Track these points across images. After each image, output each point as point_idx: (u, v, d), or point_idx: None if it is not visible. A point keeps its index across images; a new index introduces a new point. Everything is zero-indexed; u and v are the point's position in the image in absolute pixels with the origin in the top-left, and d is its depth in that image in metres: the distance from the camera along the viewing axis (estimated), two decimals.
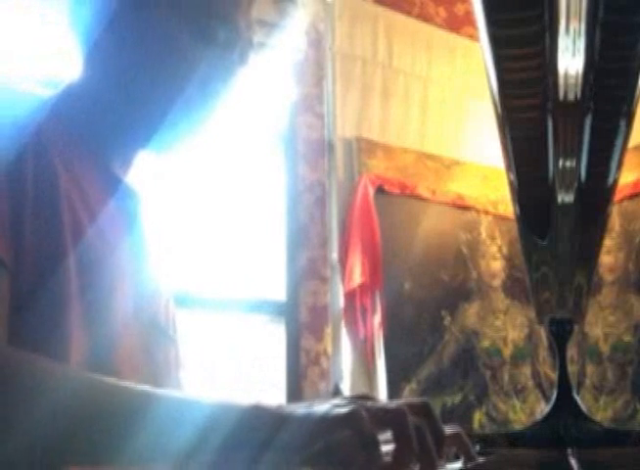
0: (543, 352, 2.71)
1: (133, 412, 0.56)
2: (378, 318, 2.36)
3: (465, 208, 2.71)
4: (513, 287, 2.72)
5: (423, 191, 2.61)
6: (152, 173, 0.92)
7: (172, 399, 0.59)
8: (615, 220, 2.56)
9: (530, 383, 2.66)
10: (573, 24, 0.66)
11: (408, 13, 2.81)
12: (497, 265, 2.73)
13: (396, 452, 0.54)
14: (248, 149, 2.47)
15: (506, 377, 2.61)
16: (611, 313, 2.56)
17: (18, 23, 1.96)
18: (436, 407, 2.40)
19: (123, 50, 0.77)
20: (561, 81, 0.72)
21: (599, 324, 2.58)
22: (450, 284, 2.59)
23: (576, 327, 1.08)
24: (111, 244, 0.74)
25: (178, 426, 0.56)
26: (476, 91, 2.73)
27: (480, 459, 0.81)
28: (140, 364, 0.75)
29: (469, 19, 2.87)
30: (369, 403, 0.57)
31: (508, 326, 2.68)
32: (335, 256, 2.47)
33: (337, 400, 0.58)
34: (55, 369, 0.58)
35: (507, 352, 2.65)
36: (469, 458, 0.80)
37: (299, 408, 0.57)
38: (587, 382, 2.57)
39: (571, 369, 1.54)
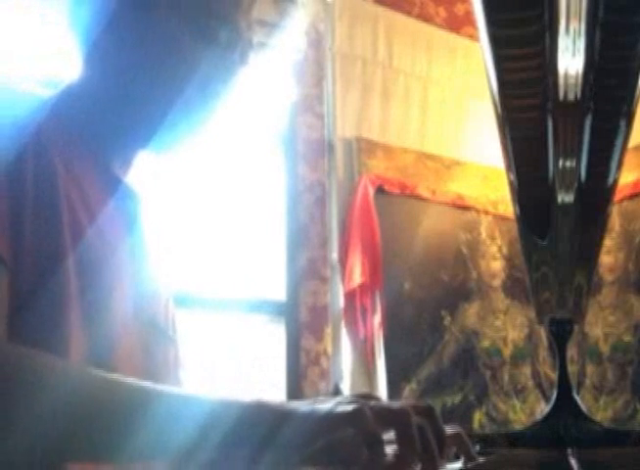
0: (543, 352, 2.71)
1: (134, 408, 0.56)
2: (378, 318, 2.36)
3: (465, 208, 2.71)
4: (513, 287, 2.72)
5: (423, 191, 2.61)
6: (152, 174, 0.92)
7: (173, 396, 0.59)
8: (615, 220, 2.56)
9: (530, 383, 2.66)
10: (573, 24, 0.66)
11: (408, 13, 2.81)
12: (497, 265, 2.73)
13: (399, 452, 0.54)
14: (248, 149, 2.47)
15: (506, 377, 2.61)
16: (611, 313, 2.56)
17: (18, 23, 1.96)
18: (436, 407, 2.40)
19: (123, 50, 0.77)
20: (561, 81, 0.72)
21: (599, 324, 2.58)
22: (450, 284, 2.59)
23: (576, 327, 1.08)
24: (110, 244, 0.74)
25: (179, 422, 0.56)
26: (476, 91, 2.73)
27: (480, 459, 0.81)
28: (139, 365, 0.75)
29: (469, 19, 2.87)
30: (372, 402, 0.57)
31: (508, 326, 2.68)
32: (335, 256, 2.47)
33: (340, 399, 0.58)
34: (55, 365, 0.58)
35: (507, 352, 2.65)
36: (469, 458, 0.80)
37: (302, 406, 0.57)
38: (587, 382, 2.57)
39: (571, 369, 1.54)
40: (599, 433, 0.94)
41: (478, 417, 2.50)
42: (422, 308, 2.49)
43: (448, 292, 2.58)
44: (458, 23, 2.91)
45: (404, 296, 2.46)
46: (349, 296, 2.38)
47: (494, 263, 2.73)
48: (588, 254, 1.01)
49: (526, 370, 2.67)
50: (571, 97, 0.74)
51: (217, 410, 0.56)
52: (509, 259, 2.74)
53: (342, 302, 2.40)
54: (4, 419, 0.52)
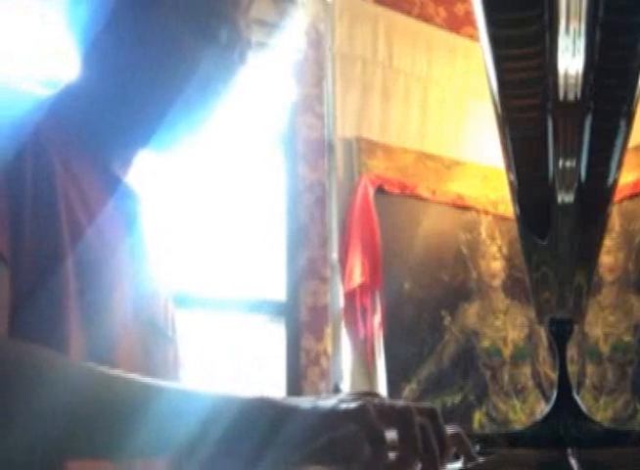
0: (543, 352, 2.71)
1: (135, 404, 0.56)
2: (378, 318, 2.36)
3: (465, 208, 2.71)
4: (513, 287, 2.72)
5: (423, 191, 2.61)
6: (151, 173, 0.92)
7: (174, 392, 0.59)
8: (615, 220, 2.56)
9: (530, 383, 2.66)
10: (573, 24, 0.66)
11: (408, 13, 2.81)
12: (497, 265, 2.73)
13: (401, 451, 0.54)
14: (248, 149, 2.47)
15: (506, 377, 2.61)
16: (611, 313, 2.56)
17: (18, 23, 1.96)
18: (436, 407, 2.40)
19: (121, 50, 0.77)
20: (561, 81, 0.73)
21: (599, 324, 2.58)
22: (450, 284, 2.59)
23: (576, 327, 1.08)
24: (110, 244, 0.74)
25: (180, 418, 0.56)
26: (476, 91, 2.73)
27: (480, 459, 0.81)
28: (139, 365, 0.75)
29: (469, 19, 2.87)
30: (376, 400, 0.56)
31: (508, 326, 2.68)
32: (335, 256, 2.47)
33: (342, 396, 0.57)
34: (56, 361, 0.58)
35: (507, 352, 2.65)
36: (469, 458, 0.80)
37: (304, 402, 0.57)
38: (587, 382, 2.57)
39: (571, 369, 1.54)
40: (599, 433, 0.94)
41: (478, 417, 2.50)
42: (422, 308, 2.49)
43: (448, 292, 2.58)
44: (458, 23, 2.91)
45: (404, 296, 2.46)
46: (349, 296, 2.38)
47: (494, 263, 2.73)
48: (588, 254, 1.01)
49: (526, 370, 2.67)
50: (571, 97, 0.74)
51: (219, 406, 0.56)
52: (509, 259, 2.74)
53: (342, 302, 2.40)
54: (4, 416, 0.52)
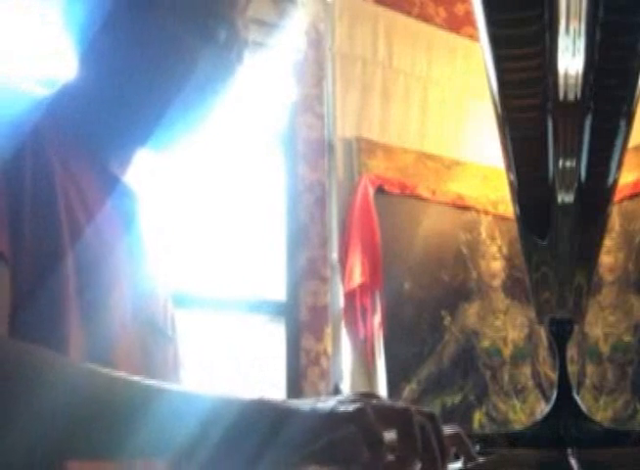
0: (543, 352, 2.71)
1: (135, 405, 0.56)
2: (378, 318, 2.36)
3: (465, 208, 2.71)
4: (513, 287, 2.72)
5: (423, 191, 2.61)
6: (150, 172, 0.92)
7: (174, 393, 0.59)
8: (615, 220, 2.56)
9: (530, 383, 2.66)
10: (573, 24, 0.66)
11: (408, 13, 2.81)
12: (497, 265, 2.73)
13: (400, 451, 0.54)
14: (247, 149, 2.47)
15: (506, 377, 2.61)
16: (611, 313, 2.56)
17: (18, 23, 1.96)
18: (436, 407, 2.40)
19: (119, 50, 0.77)
20: (561, 81, 0.72)
21: (599, 324, 2.58)
22: (450, 284, 2.59)
23: (576, 327, 1.08)
24: (108, 243, 0.74)
25: (180, 419, 0.56)
26: (476, 91, 2.73)
27: (480, 459, 0.81)
28: (138, 365, 0.75)
29: (469, 19, 2.87)
30: (375, 401, 0.56)
31: (508, 326, 2.68)
32: (335, 256, 2.47)
33: (342, 397, 0.57)
34: (56, 361, 0.58)
35: (507, 352, 2.65)
36: (469, 458, 0.80)
37: (304, 404, 0.57)
38: (587, 382, 2.57)
39: (571, 369, 1.54)
40: (599, 433, 0.94)
41: (478, 417, 2.50)
42: (422, 308, 2.49)
43: (448, 292, 2.58)
44: (458, 23, 2.91)
45: (404, 296, 2.46)
46: (349, 296, 2.38)
47: (494, 263, 2.73)
48: (588, 254, 1.01)
49: (526, 370, 2.67)
50: (571, 97, 0.74)
51: (218, 408, 0.56)
52: (509, 259, 2.74)
53: (342, 302, 2.40)
54: (3, 416, 0.52)
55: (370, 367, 2.38)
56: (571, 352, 2.53)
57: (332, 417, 0.54)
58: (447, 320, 2.54)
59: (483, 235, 2.73)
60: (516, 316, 2.70)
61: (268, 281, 2.43)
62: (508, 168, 0.88)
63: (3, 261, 0.61)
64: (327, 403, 0.56)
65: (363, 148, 2.54)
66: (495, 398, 2.56)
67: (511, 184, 0.90)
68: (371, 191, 2.46)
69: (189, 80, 0.77)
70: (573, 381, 1.26)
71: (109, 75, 0.77)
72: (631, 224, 2.56)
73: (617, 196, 2.24)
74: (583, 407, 0.96)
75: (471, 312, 2.61)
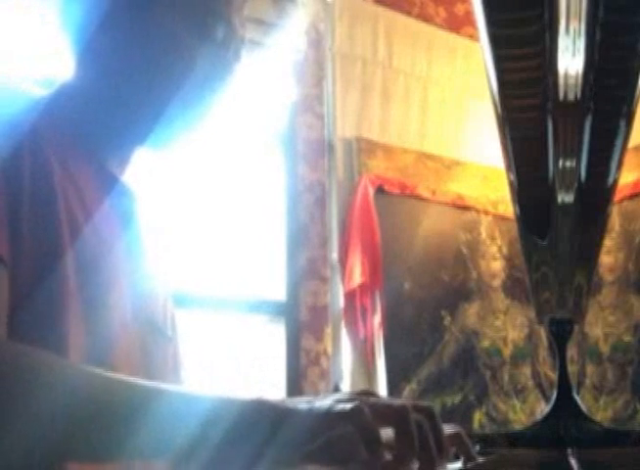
0: (543, 352, 2.71)
1: (134, 406, 0.56)
2: (378, 318, 2.36)
3: (465, 208, 2.71)
4: (513, 287, 2.72)
5: (423, 191, 2.61)
6: (150, 172, 0.92)
7: (173, 394, 0.59)
8: (615, 220, 2.56)
9: (530, 383, 2.66)
10: (573, 24, 0.66)
11: (408, 13, 2.81)
12: (497, 265, 2.73)
13: (397, 449, 0.55)
14: (247, 149, 2.47)
15: (506, 377, 2.61)
16: (611, 313, 2.56)
17: (17, 23, 1.96)
18: (436, 407, 2.40)
19: (117, 50, 0.77)
20: (561, 81, 0.72)
21: (599, 324, 2.58)
22: (450, 284, 2.59)
23: (576, 327, 1.08)
24: (106, 242, 0.74)
25: (179, 420, 0.56)
26: (476, 91, 2.73)
27: (480, 459, 0.81)
28: (138, 365, 0.75)
29: (469, 19, 2.87)
30: (372, 399, 0.57)
31: (508, 326, 2.68)
32: (335, 256, 2.47)
33: (338, 396, 0.58)
34: (54, 363, 0.58)
35: (507, 352, 2.65)
36: (469, 458, 0.80)
37: (301, 403, 0.57)
38: (587, 382, 2.57)
39: (571, 369, 1.54)
40: (599, 433, 0.94)
41: (478, 417, 2.50)
42: (422, 308, 2.49)
43: (448, 292, 2.58)
44: (458, 23, 2.91)
45: (404, 296, 2.46)
46: (349, 296, 2.38)
47: (494, 263, 2.73)
48: (588, 254, 1.01)
49: (526, 370, 2.67)
50: (571, 97, 0.74)
51: (218, 408, 0.56)
52: (509, 259, 2.74)
53: (342, 302, 2.40)
54: (1, 418, 0.52)
55: (370, 367, 2.38)
56: (571, 352, 2.53)
57: (329, 416, 0.54)
58: (447, 320, 2.54)
59: (483, 235, 2.73)
60: (516, 316, 2.70)
61: (268, 281, 2.43)
62: (508, 168, 0.88)
63: (2, 264, 0.61)
64: (324, 402, 0.56)
65: (363, 148, 2.54)
66: (495, 398, 2.56)
67: (511, 184, 0.90)
68: (371, 191, 2.46)
69: (187, 79, 0.77)
70: (573, 381, 1.26)
71: (107, 75, 0.77)
72: (631, 224, 2.56)
73: (617, 196, 2.24)
74: (583, 407, 0.96)
75: (471, 312, 2.61)
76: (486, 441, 0.92)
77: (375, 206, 2.44)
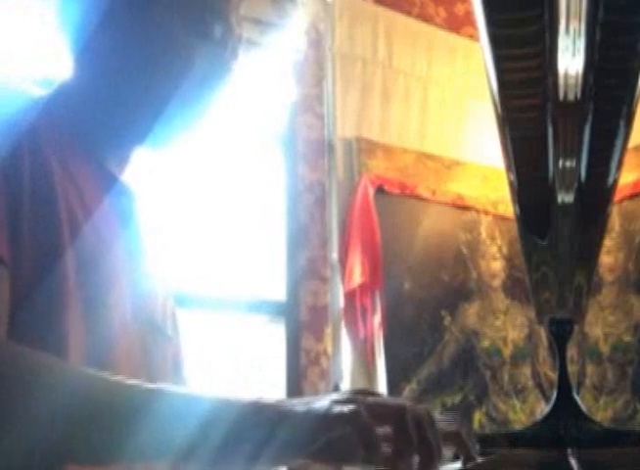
0: (543, 352, 2.71)
1: (134, 408, 0.56)
2: (378, 318, 2.36)
3: (465, 208, 2.71)
4: (513, 287, 2.72)
5: (423, 191, 2.61)
6: (149, 171, 0.92)
7: (172, 396, 0.59)
8: (615, 220, 2.56)
9: (530, 383, 2.66)
10: (573, 24, 0.66)
11: (408, 13, 2.81)
12: (497, 265, 2.73)
13: (396, 445, 0.55)
14: (247, 149, 2.47)
15: (506, 377, 2.61)
16: (611, 313, 2.56)
17: (17, 23, 1.96)
18: (436, 407, 2.40)
19: (116, 49, 0.77)
20: (561, 81, 0.72)
21: (599, 324, 2.58)
22: (450, 284, 2.59)
23: (576, 327, 1.08)
24: (105, 241, 0.74)
25: (178, 423, 0.56)
26: (476, 91, 2.73)
27: (480, 459, 0.81)
28: (138, 364, 0.75)
29: (469, 19, 2.87)
30: (369, 399, 0.57)
31: (508, 326, 2.68)
32: (335, 256, 2.47)
33: (336, 396, 0.58)
34: (54, 364, 0.58)
35: (507, 352, 2.65)
36: (468, 458, 0.80)
37: (299, 405, 0.57)
38: (587, 382, 2.57)
39: (571, 369, 1.54)
40: (599, 433, 0.94)
41: (478, 417, 2.50)
42: (422, 308, 2.49)
43: (448, 292, 2.58)
44: (458, 23, 2.91)
45: (404, 296, 2.46)
46: (349, 296, 2.38)
47: (494, 263, 2.73)
48: (588, 254, 1.01)
49: (526, 370, 2.67)
50: (571, 97, 0.74)
51: (217, 410, 0.56)
52: (509, 259, 2.74)
53: (342, 302, 2.40)
54: (0, 419, 0.52)
55: (370, 367, 2.38)
56: (571, 352, 2.53)
57: (327, 418, 0.55)
58: (447, 320, 2.54)
59: (483, 235, 2.73)
60: (516, 316, 2.70)
61: (268, 281, 2.43)
62: (508, 168, 0.88)
63: (2, 264, 0.61)
64: (322, 404, 0.56)
65: (363, 148, 2.54)
66: (495, 398, 2.56)
67: (511, 184, 0.90)
68: (371, 191, 2.46)
69: (186, 77, 0.77)
70: (573, 381, 1.26)
71: (106, 74, 0.77)
72: (631, 224, 2.56)
73: (617, 196, 2.24)
74: (583, 407, 0.96)
75: (471, 312, 2.61)
76: (486, 441, 0.92)
77: (375, 206, 2.44)
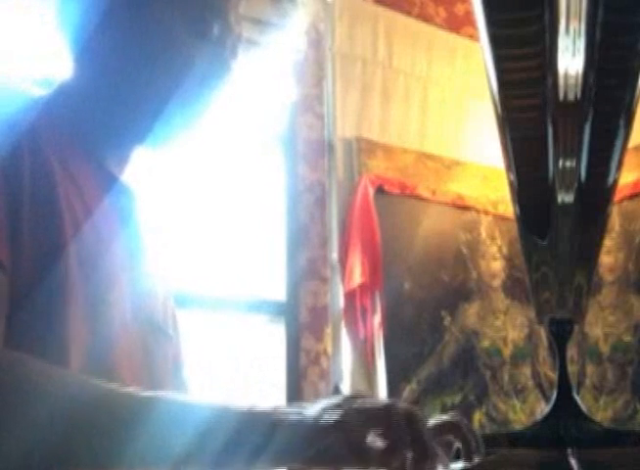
0: (543, 352, 2.71)
1: (129, 417, 0.56)
2: (378, 318, 2.36)
3: (465, 208, 2.71)
4: (513, 287, 2.72)
5: (423, 191, 2.61)
6: (149, 171, 0.92)
7: (168, 404, 0.59)
8: (615, 220, 2.56)
9: (530, 383, 2.66)
10: (573, 24, 0.66)
11: (408, 13, 2.81)
12: (497, 265, 2.73)
13: (387, 447, 0.55)
14: (247, 149, 2.47)
15: (506, 377, 2.61)
16: (611, 313, 2.56)
17: (17, 23, 1.96)
18: (436, 407, 2.40)
19: (116, 48, 0.76)
20: (561, 81, 0.72)
21: (599, 324, 2.57)
22: (450, 284, 2.59)
23: (576, 327, 1.08)
24: (105, 241, 0.74)
25: (175, 430, 0.56)
26: (476, 91, 2.73)
27: (479, 458, 0.81)
28: (139, 364, 0.75)
29: (469, 19, 2.87)
30: (358, 403, 0.57)
31: (508, 326, 2.68)
32: (335, 256, 2.47)
33: (327, 403, 0.58)
34: (52, 372, 0.57)
35: (507, 352, 2.65)
36: (469, 452, 0.80)
37: (292, 413, 0.57)
38: (587, 382, 2.57)
39: (571, 369, 1.54)
40: (599, 433, 0.94)
41: (478, 417, 2.50)
42: (422, 308, 2.49)
43: (448, 292, 2.58)
44: (458, 23, 2.91)
45: (404, 296, 2.46)
46: (349, 296, 2.38)
47: (494, 263, 2.73)
48: (588, 254, 1.01)
49: (526, 370, 2.67)
50: (571, 97, 0.74)
51: (211, 419, 0.57)
52: (509, 259, 2.74)
53: (342, 302, 2.40)
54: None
55: (370, 367, 2.38)
56: (571, 352, 2.53)
57: (317, 426, 0.55)
58: (447, 320, 2.54)
59: (483, 235, 2.73)
60: (516, 316, 2.70)
61: (268, 281, 2.43)
62: (508, 168, 0.88)
63: (2, 269, 0.61)
64: (313, 411, 0.57)
65: (363, 148, 2.54)
66: (495, 398, 2.56)
67: (511, 184, 0.90)
68: (371, 191, 2.46)
69: (186, 76, 0.77)
70: (573, 381, 1.26)
71: (106, 73, 0.77)
72: (631, 224, 2.56)
73: (617, 196, 2.24)
74: (583, 407, 0.96)
75: (471, 312, 2.61)
76: (486, 441, 0.92)
77: (375, 206, 2.44)
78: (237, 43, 0.82)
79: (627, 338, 2.50)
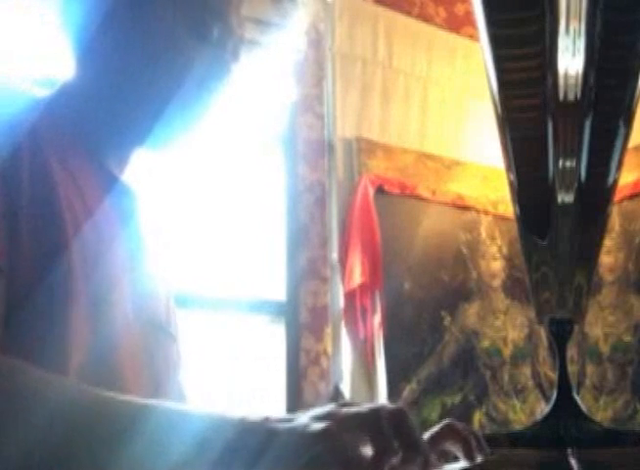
0: (543, 352, 2.71)
1: (123, 426, 0.55)
2: (378, 318, 2.36)
3: (465, 208, 2.71)
4: (513, 287, 2.72)
5: (423, 191, 2.61)
6: (150, 171, 0.92)
7: (164, 412, 0.58)
8: (615, 220, 2.56)
9: (530, 383, 2.66)
10: (573, 24, 0.66)
11: (408, 13, 2.81)
12: (497, 265, 2.73)
13: (375, 451, 0.55)
14: (247, 149, 2.47)
15: (506, 377, 2.61)
16: (611, 313, 2.56)
17: (17, 23, 1.96)
18: (436, 407, 2.41)
19: (118, 48, 0.77)
20: (561, 81, 0.72)
21: (599, 324, 2.58)
22: (450, 284, 2.59)
23: (576, 327, 1.08)
24: (106, 241, 0.74)
25: (170, 440, 0.55)
26: (476, 91, 2.73)
27: (483, 457, 0.81)
28: (141, 364, 0.75)
29: (469, 19, 2.87)
30: (343, 412, 0.57)
31: (508, 326, 2.68)
32: (335, 256, 2.47)
33: (316, 411, 0.58)
34: (51, 379, 0.57)
35: (507, 352, 2.65)
36: (470, 453, 0.80)
37: (283, 422, 0.57)
38: (587, 382, 2.57)
39: (571, 369, 1.54)
40: (599, 433, 0.94)
41: (478, 417, 2.50)
42: (422, 308, 2.49)
43: (448, 292, 2.58)
44: (458, 23, 2.91)
45: (404, 296, 2.46)
46: (349, 296, 2.38)
47: (494, 263, 2.73)
48: (588, 254, 1.01)
49: (526, 370, 2.67)
50: (571, 97, 0.74)
51: (204, 429, 0.56)
52: (509, 259, 2.74)
53: (342, 302, 2.40)
54: None
55: (370, 367, 2.38)
56: (571, 352, 2.53)
57: (304, 436, 0.55)
58: (447, 320, 2.54)
59: (483, 235, 2.73)
60: (516, 316, 2.70)
61: (268, 281, 2.43)
62: (508, 168, 0.88)
63: (1, 273, 0.61)
64: (302, 420, 0.56)
65: (363, 148, 2.54)
66: (495, 398, 2.56)
67: (511, 184, 0.90)
68: (371, 191, 2.46)
69: (187, 77, 0.77)
70: (573, 381, 1.26)
71: (107, 73, 0.77)
72: (631, 224, 2.56)
73: (617, 196, 2.24)
74: (583, 407, 0.96)
75: (471, 312, 2.61)
76: (486, 441, 0.92)
77: (375, 206, 2.44)
78: (238, 45, 0.82)
79: (627, 338, 2.50)
